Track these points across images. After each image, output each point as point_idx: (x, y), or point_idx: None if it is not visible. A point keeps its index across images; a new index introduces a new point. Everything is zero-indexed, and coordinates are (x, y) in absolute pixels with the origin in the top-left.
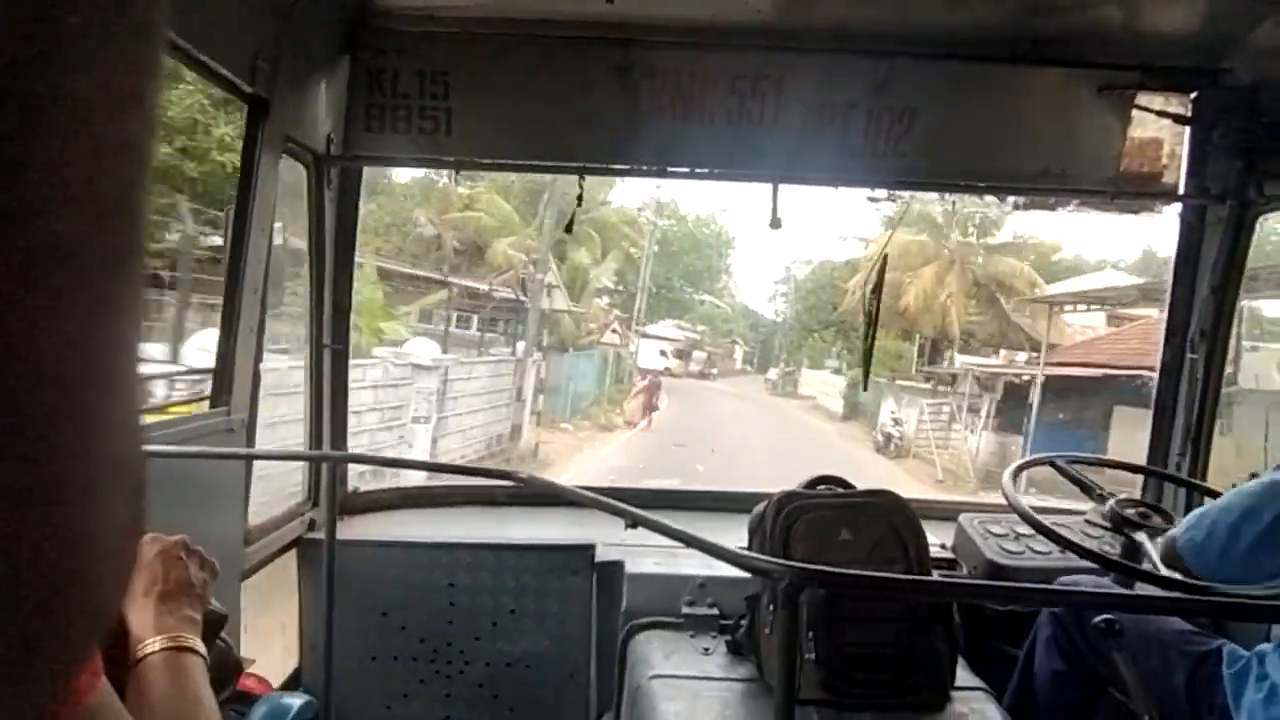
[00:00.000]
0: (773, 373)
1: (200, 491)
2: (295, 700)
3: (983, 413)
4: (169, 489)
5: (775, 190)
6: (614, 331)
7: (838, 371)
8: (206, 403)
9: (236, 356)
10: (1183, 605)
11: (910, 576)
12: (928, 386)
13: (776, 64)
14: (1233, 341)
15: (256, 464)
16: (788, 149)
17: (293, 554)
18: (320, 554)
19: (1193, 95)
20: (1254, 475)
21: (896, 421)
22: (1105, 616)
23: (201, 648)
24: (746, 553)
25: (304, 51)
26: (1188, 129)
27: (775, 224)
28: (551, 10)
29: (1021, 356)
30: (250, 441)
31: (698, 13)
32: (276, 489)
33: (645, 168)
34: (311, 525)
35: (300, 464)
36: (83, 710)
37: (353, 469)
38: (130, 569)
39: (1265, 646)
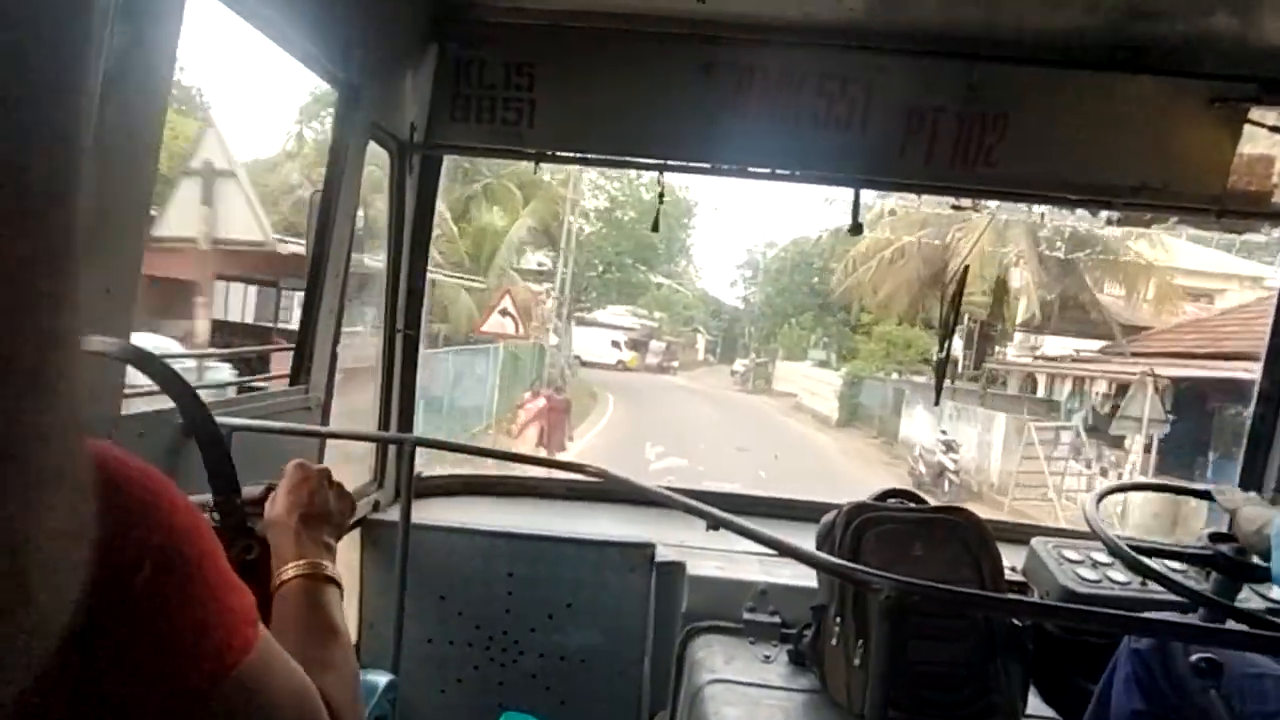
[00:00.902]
0: (739, 365)
1: (278, 465)
2: (380, 678)
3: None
4: (249, 460)
5: (857, 195)
6: (508, 316)
7: (825, 364)
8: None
9: (317, 338)
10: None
11: (1008, 596)
12: (973, 388)
13: (867, 65)
14: None
15: (335, 445)
16: (873, 152)
17: (356, 533)
18: (383, 534)
19: None
20: None
21: (949, 447)
22: (1206, 655)
23: (338, 575)
24: (843, 562)
25: (393, 40)
26: None
27: (856, 229)
28: (640, 5)
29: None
30: (325, 421)
31: (789, 10)
32: (355, 470)
33: (726, 166)
34: (376, 506)
35: (366, 447)
36: (247, 667)
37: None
38: (78, 577)
39: None
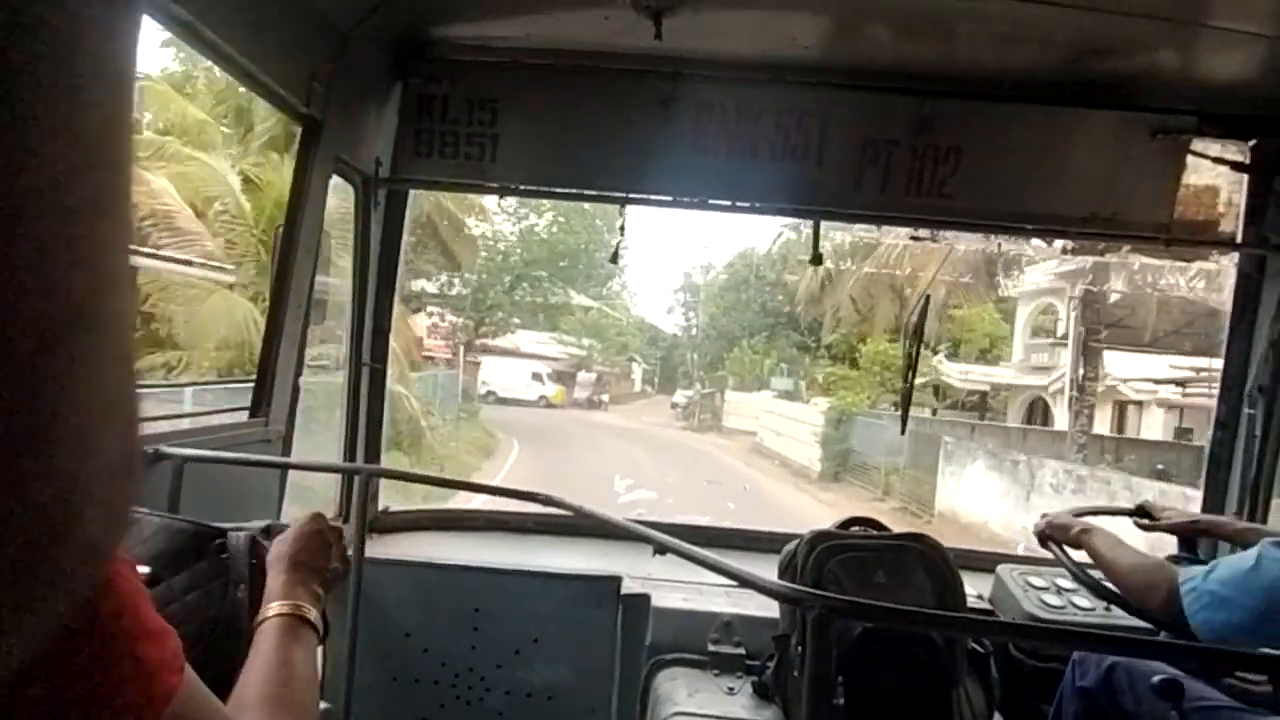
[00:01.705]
0: (681, 396)
1: (234, 498)
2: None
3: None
4: (205, 493)
5: (816, 226)
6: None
7: (791, 396)
8: (246, 412)
9: (278, 370)
10: (1235, 659)
11: (942, 612)
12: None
13: (823, 100)
14: None
15: (296, 479)
16: (831, 185)
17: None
18: (349, 572)
19: (1251, 143)
20: None
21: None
22: (1166, 677)
23: (318, 620)
24: (776, 581)
25: (357, 76)
26: (1245, 177)
27: (816, 260)
28: (600, 42)
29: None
30: (286, 453)
31: (745, 48)
32: (314, 504)
33: (688, 199)
34: None
35: (334, 481)
36: (169, 715)
37: (386, 492)
38: (126, 508)
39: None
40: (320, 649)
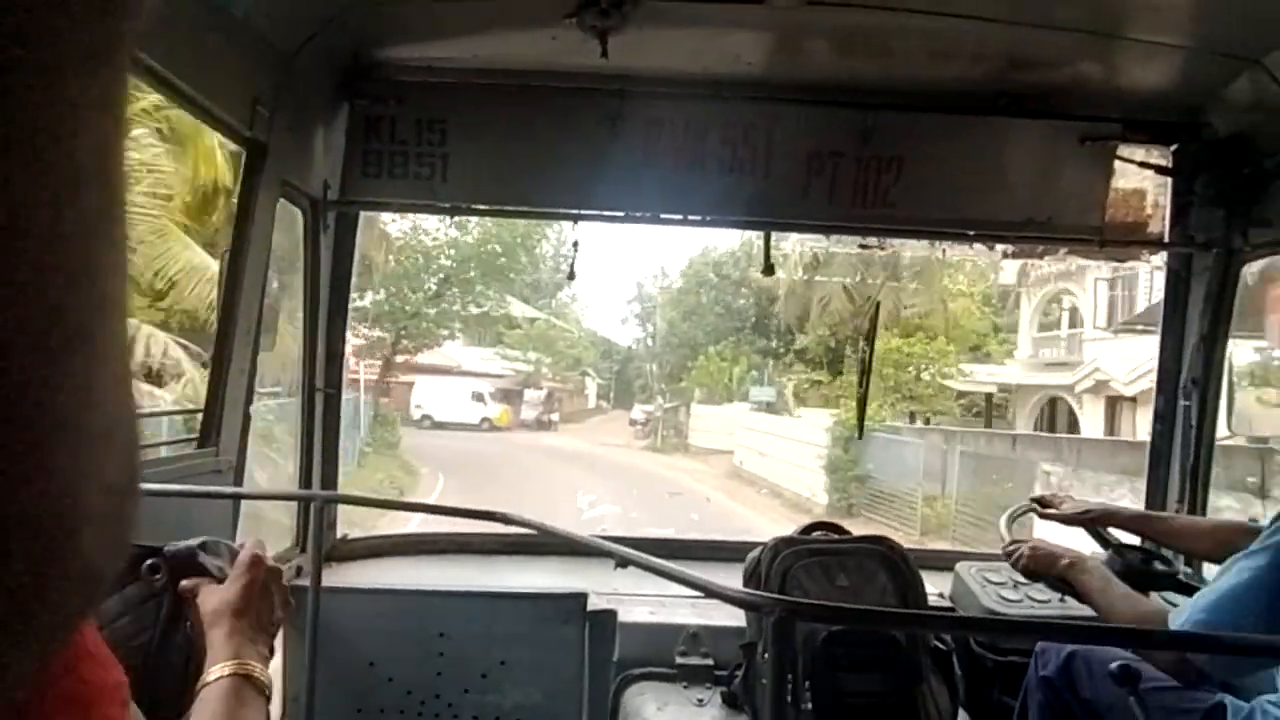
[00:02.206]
0: (640, 412)
1: (184, 533)
2: None
3: None
4: (154, 527)
5: (767, 237)
6: None
7: (771, 408)
8: (195, 443)
9: (227, 399)
10: (1190, 641)
11: (897, 609)
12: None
13: (768, 114)
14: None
15: (252, 509)
16: (779, 196)
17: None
18: (306, 601)
19: (1173, 147)
20: (1253, 519)
21: None
22: (1122, 662)
23: (267, 680)
24: (738, 589)
25: (302, 98)
26: (1169, 180)
27: (768, 270)
28: (547, 61)
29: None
30: (239, 484)
31: (690, 65)
32: (271, 536)
33: (640, 214)
34: (298, 572)
35: (291, 511)
36: None
37: (346, 518)
38: (126, 531)
39: (1263, 698)
40: (280, 686)
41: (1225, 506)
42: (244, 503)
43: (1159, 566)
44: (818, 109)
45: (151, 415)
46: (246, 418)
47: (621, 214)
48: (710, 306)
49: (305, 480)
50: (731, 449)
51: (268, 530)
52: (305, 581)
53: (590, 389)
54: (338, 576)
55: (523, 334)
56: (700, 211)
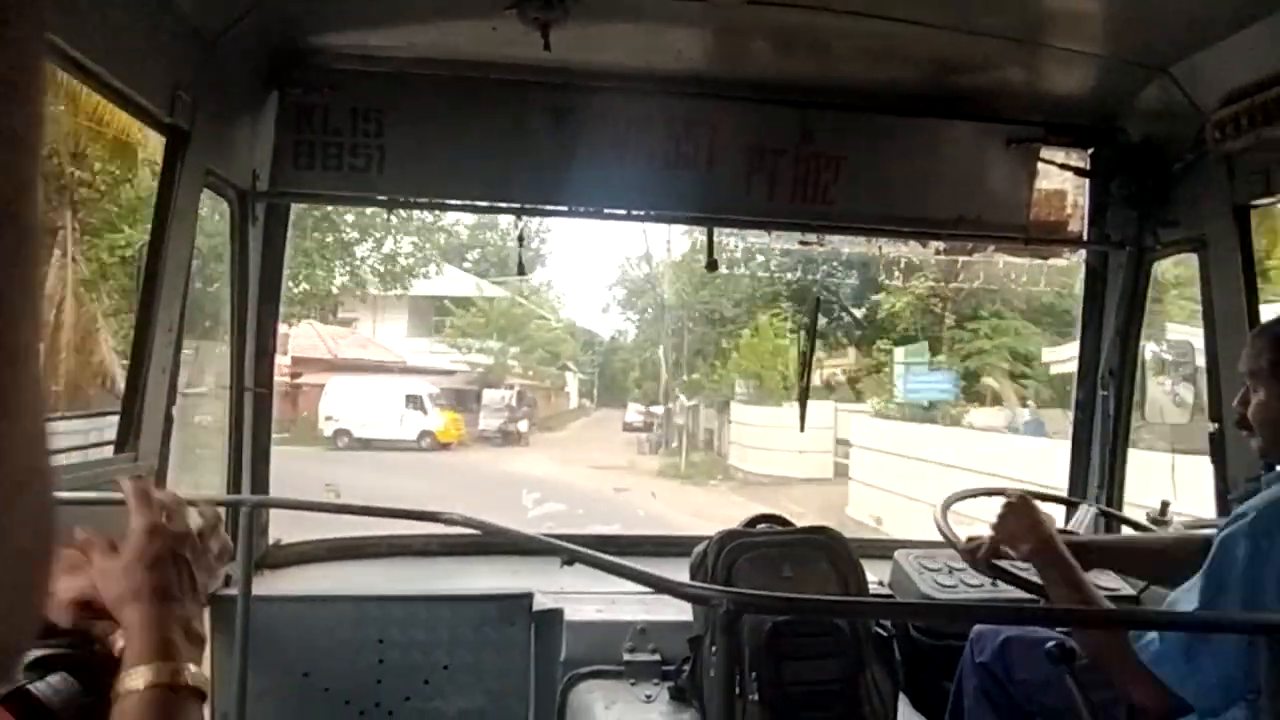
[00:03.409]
0: (636, 412)
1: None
2: None
3: None
4: (67, 542)
5: (710, 233)
6: None
7: (926, 411)
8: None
9: (147, 398)
10: (1129, 621)
11: (842, 598)
12: None
13: (709, 110)
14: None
15: None
16: (721, 193)
17: (205, 612)
18: (234, 611)
19: (1090, 151)
20: (1165, 503)
21: None
22: (1058, 641)
23: (204, 681)
24: (682, 582)
25: (229, 85)
26: (1087, 181)
27: (711, 266)
28: (488, 52)
29: None
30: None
31: (632, 60)
32: None
33: (583, 209)
34: (228, 581)
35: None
36: None
37: (279, 521)
38: (40, 598)
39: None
40: (208, 702)
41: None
42: None
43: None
44: (758, 106)
45: (64, 419)
46: (169, 420)
47: (565, 208)
48: (742, 261)
49: (235, 484)
50: (828, 474)
51: None
52: (234, 590)
53: (572, 386)
54: (271, 584)
55: (477, 317)
56: (643, 206)
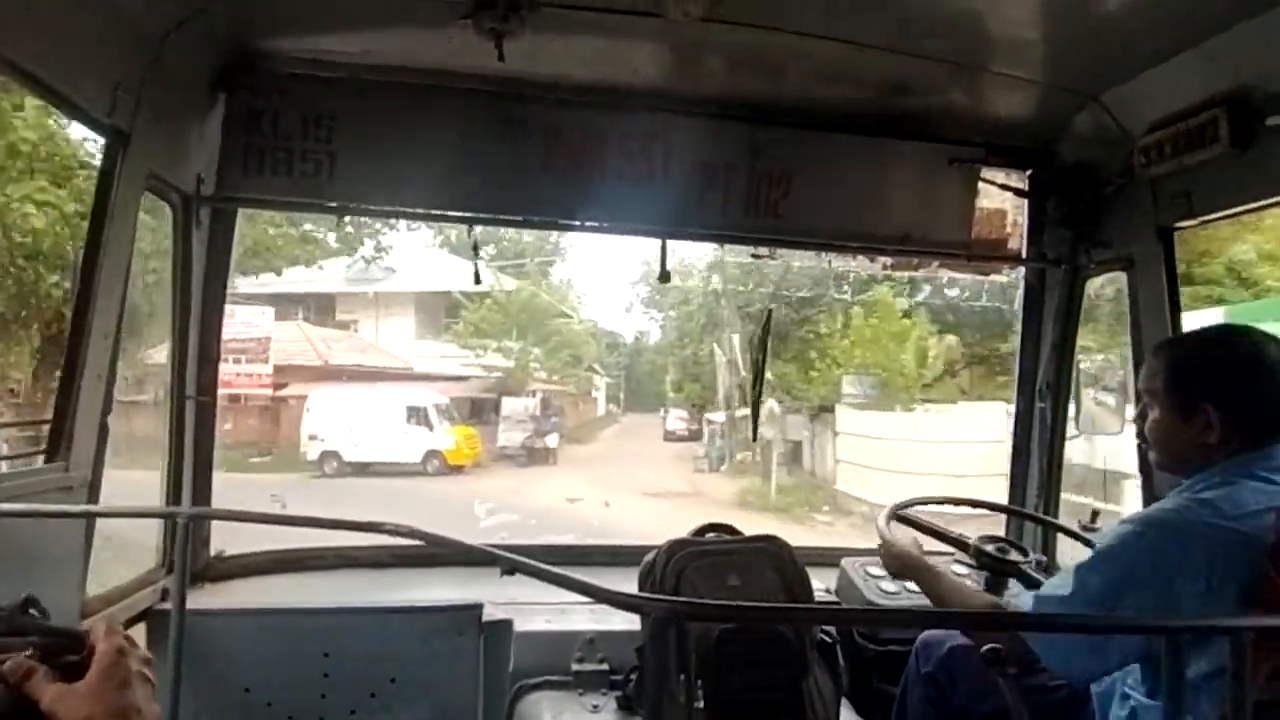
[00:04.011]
0: (678, 419)
1: (27, 558)
2: None
3: None
4: None
5: (664, 246)
6: None
7: None
8: (41, 457)
9: (80, 407)
10: (1049, 623)
11: (780, 605)
12: None
13: (663, 125)
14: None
15: (110, 528)
16: (676, 206)
17: (141, 628)
18: (169, 627)
19: (1029, 172)
20: (1095, 513)
21: None
22: (992, 645)
23: None
24: (623, 592)
25: (174, 86)
26: (1026, 201)
27: (664, 277)
28: (442, 61)
29: None
30: (94, 501)
31: (587, 74)
32: (133, 555)
33: (536, 219)
34: (164, 595)
35: (157, 529)
36: None
37: (222, 533)
38: None
39: (1122, 681)
40: None
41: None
42: (99, 522)
43: (1013, 555)
44: (712, 122)
45: None
46: (104, 429)
47: (519, 218)
48: None
49: (174, 495)
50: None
51: (129, 550)
52: (169, 605)
53: (599, 391)
54: (211, 597)
55: (494, 312)
56: (597, 218)
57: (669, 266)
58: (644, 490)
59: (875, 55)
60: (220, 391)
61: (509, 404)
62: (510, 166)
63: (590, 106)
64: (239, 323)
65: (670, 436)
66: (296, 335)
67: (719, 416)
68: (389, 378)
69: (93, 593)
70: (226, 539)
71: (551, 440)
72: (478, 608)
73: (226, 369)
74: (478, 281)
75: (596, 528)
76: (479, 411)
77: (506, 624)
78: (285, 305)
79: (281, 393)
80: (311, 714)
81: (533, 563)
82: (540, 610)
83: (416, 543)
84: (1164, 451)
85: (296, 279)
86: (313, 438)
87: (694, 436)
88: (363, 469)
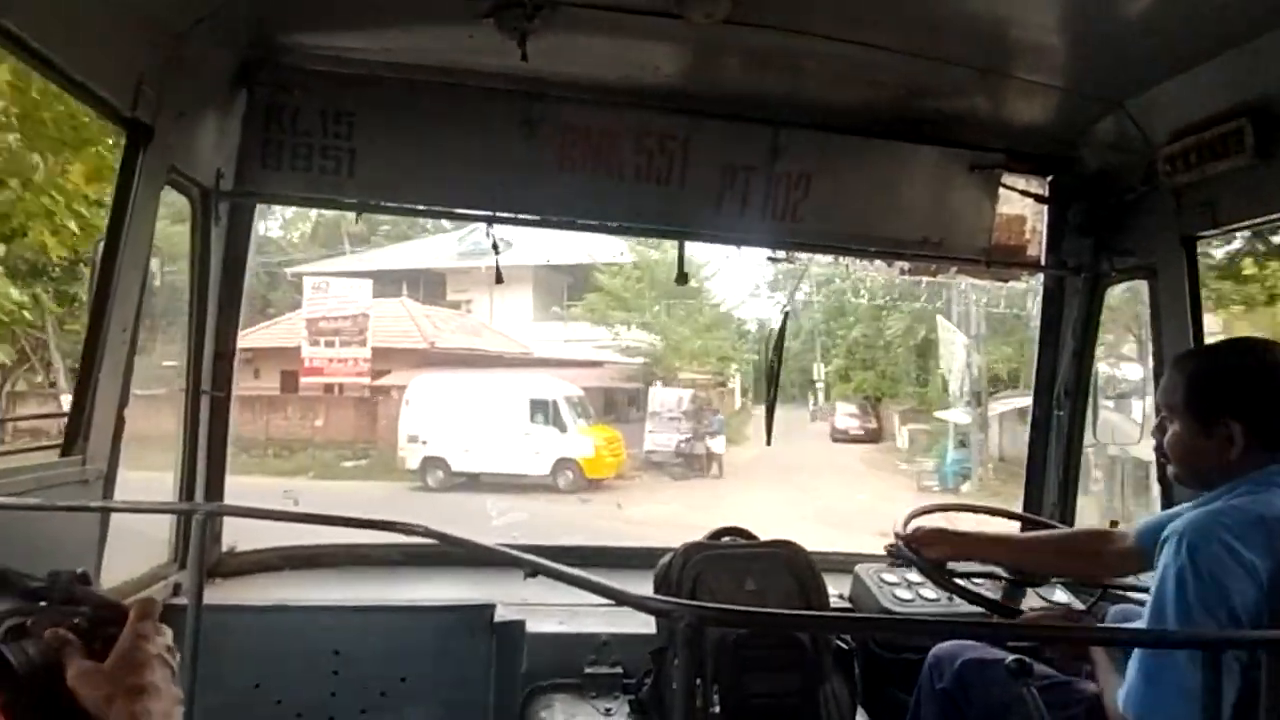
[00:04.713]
0: (849, 415)
1: (40, 552)
2: None
3: None
4: (9, 548)
5: (681, 247)
6: None
7: None
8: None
9: (98, 401)
10: (1067, 635)
11: (805, 612)
12: None
13: (682, 126)
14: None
15: (124, 522)
16: (694, 207)
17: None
18: (184, 622)
19: (1050, 179)
20: (1114, 523)
21: None
22: (1017, 657)
23: None
24: (647, 595)
25: (195, 81)
26: (1046, 208)
27: (682, 279)
28: (462, 59)
29: None
30: (109, 496)
31: (607, 73)
32: (141, 550)
33: (555, 218)
34: (176, 590)
35: (168, 523)
36: None
37: (234, 529)
38: None
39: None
40: None
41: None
42: (114, 516)
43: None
44: (731, 123)
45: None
46: (120, 422)
47: (536, 217)
48: None
49: (188, 490)
50: None
51: (140, 544)
52: (184, 600)
53: (734, 384)
54: (222, 593)
55: (630, 283)
56: (615, 218)
57: None
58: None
59: (897, 58)
60: (310, 380)
61: (659, 396)
62: (529, 165)
63: (610, 106)
64: (331, 297)
65: (841, 437)
66: (399, 312)
67: (958, 415)
68: (509, 365)
69: (105, 587)
70: (238, 535)
71: (716, 444)
72: (490, 608)
73: (318, 353)
74: (499, 281)
75: None
76: (613, 406)
77: (519, 625)
78: (388, 283)
79: (381, 381)
80: (321, 712)
81: (556, 565)
82: (553, 612)
83: (429, 541)
84: (1184, 466)
85: (402, 255)
86: (413, 439)
87: (870, 438)
88: (474, 481)
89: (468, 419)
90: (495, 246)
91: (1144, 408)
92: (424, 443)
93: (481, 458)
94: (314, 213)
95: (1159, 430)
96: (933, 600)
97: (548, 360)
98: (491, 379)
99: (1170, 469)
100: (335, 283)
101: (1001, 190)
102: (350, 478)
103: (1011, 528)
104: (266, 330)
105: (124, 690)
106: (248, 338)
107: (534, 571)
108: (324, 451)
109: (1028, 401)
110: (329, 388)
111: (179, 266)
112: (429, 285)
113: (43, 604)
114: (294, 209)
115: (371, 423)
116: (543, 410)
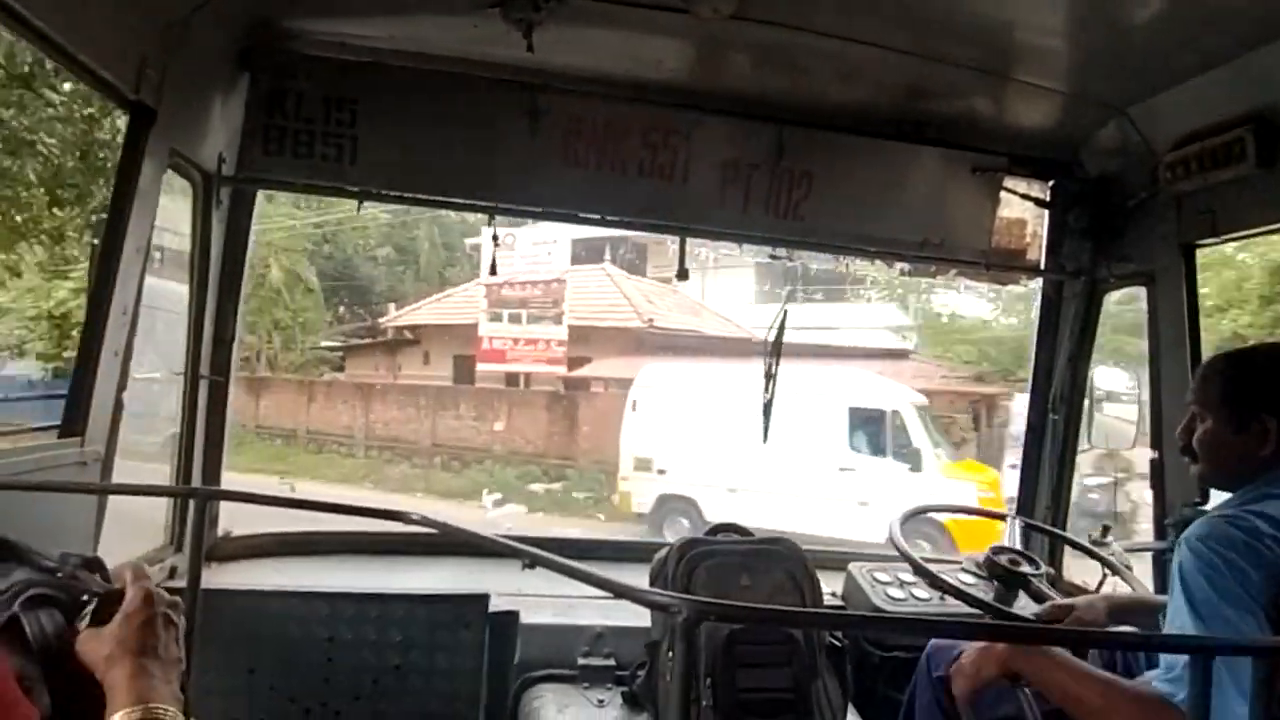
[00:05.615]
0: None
1: (36, 534)
2: None
3: None
4: (3, 529)
5: (683, 243)
6: None
7: None
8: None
9: (97, 383)
10: (1056, 636)
11: (795, 609)
12: None
13: (686, 121)
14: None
15: (119, 505)
16: (695, 203)
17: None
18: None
19: (1051, 183)
20: (1106, 527)
21: None
22: None
23: None
24: (646, 589)
25: (198, 64)
26: (1046, 212)
27: (683, 275)
28: (466, 49)
29: None
30: (107, 478)
31: (612, 67)
32: (142, 533)
33: (557, 211)
34: (172, 573)
35: (164, 507)
36: None
37: (229, 513)
38: None
39: (1149, 674)
40: None
41: None
42: (110, 499)
43: (1024, 567)
44: (735, 120)
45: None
46: (119, 405)
47: (539, 209)
48: None
49: (185, 474)
50: None
51: (136, 527)
52: (180, 583)
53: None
54: (216, 577)
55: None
56: (618, 213)
57: None
58: None
59: (902, 59)
60: (487, 368)
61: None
62: (532, 157)
63: (614, 100)
64: (518, 256)
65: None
66: (603, 283)
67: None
68: (742, 355)
69: None
70: (233, 519)
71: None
72: (484, 598)
73: (499, 330)
74: (493, 272)
75: None
76: (947, 427)
77: (513, 615)
78: (584, 251)
79: (579, 372)
80: (314, 698)
81: (555, 557)
82: (547, 603)
83: (425, 530)
84: (1212, 462)
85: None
86: (643, 464)
87: None
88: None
89: (732, 437)
90: (495, 239)
91: (1136, 413)
92: (661, 471)
93: (760, 505)
94: None
95: (1186, 431)
96: (925, 599)
97: (823, 349)
98: (753, 374)
99: (1195, 468)
100: (523, 236)
101: (1002, 194)
102: (540, 508)
103: None
104: (436, 305)
105: (126, 650)
106: (414, 313)
107: (533, 563)
108: (506, 467)
109: None
110: (512, 378)
111: None
112: (626, 259)
113: (59, 575)
114: None
115: (568, 429)
116: (874, 428)
